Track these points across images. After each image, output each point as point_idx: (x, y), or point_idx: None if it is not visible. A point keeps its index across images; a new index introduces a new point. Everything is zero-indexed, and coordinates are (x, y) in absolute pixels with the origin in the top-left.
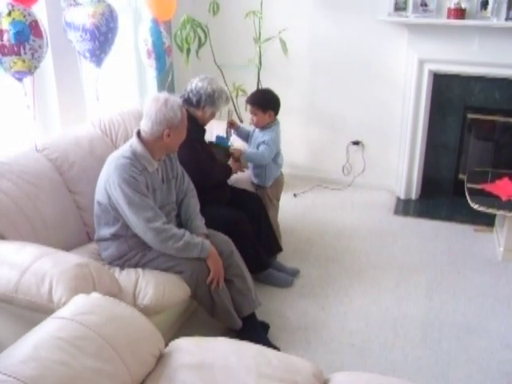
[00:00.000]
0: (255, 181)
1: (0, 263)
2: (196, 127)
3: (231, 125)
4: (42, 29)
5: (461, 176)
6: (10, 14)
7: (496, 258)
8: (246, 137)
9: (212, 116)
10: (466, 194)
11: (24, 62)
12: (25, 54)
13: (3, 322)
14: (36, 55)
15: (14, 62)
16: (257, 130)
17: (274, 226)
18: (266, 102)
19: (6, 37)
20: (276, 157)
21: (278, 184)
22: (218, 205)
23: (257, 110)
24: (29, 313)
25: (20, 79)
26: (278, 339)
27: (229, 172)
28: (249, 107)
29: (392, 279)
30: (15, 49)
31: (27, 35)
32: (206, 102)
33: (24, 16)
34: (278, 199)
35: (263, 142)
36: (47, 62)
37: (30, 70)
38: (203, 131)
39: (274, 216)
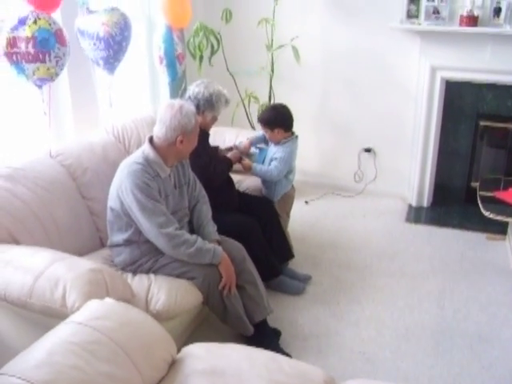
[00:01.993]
0: (264, 192)
1: (15, 268)
2: (199, 131)
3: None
4: (66, 37)
5: (473, 183)
6: (35, 22)
7: (509, 267)
8: (263, 140)
9: (214, 120)
10: (479, 201)
11: (48, 69)
12: (49, 61)
13: (17, 326)
14: (60, 63)
15: (38, 69)
16: (272, 144)
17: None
18: (271, 120)
19: (30, 44)
20: (288, 173)
21: (288, 199)
22: (230, 211)
23: (264, 127)
24: (42, 317)
25: (40, 86)
26: (289, 346)
27: (230, 164)
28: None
29: (404, 287)
30: (40, 56)
31: (53, 43)
32: (204, 107)
33: (50, 24)
34: (288, 213)
35: (275, 159)
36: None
37: (52, 77)
38: (206, 135)
39: (284, 228)
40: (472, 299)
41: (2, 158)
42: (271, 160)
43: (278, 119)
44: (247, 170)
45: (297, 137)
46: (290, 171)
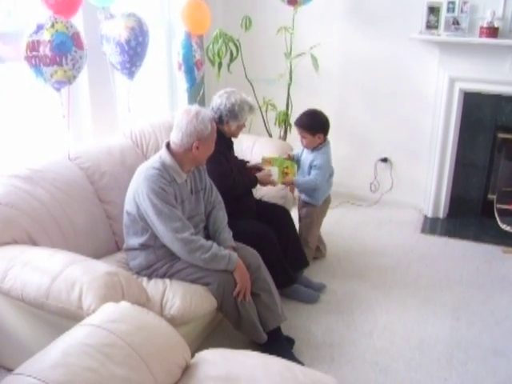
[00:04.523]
0: (306, 199)
1: (32, 269)
2: (222, 139)
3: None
4: (83, 40)
5: (490, 196)
6: (53, 25)
7: None
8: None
9: (239, 128)
10: (496, 214)
11: (65, 72)
12: (66, 64)
13: (34, 327)
14: (77, 66)
15: (55, 72)
16: (306, 150)
17: (317, 239)
18: (314, 125)
19: (48, 47)
20: (329, 176)
21: (327, 202)
22: (246, 218)
23: (305, 133)
24: (58, 319)
25: (59, 89)
26: (302, 354)
27: (254, 182)
28: (297, 130)
29: (418, 298)
30: (57, 59)
31: (69, 46)
32: (228, 117)
33: (67, 28)
34: (325, 216)
35: (315, 166)
36: (82, 73)
37: (70, 80)
38: (230, 143)
39: (317, 231)
40: (487, 312)
41: (22, 160)
42: (310, 167)
43: (321, 125)
44: (289, 185)
45: (329, 142)
46: (330, 174)
